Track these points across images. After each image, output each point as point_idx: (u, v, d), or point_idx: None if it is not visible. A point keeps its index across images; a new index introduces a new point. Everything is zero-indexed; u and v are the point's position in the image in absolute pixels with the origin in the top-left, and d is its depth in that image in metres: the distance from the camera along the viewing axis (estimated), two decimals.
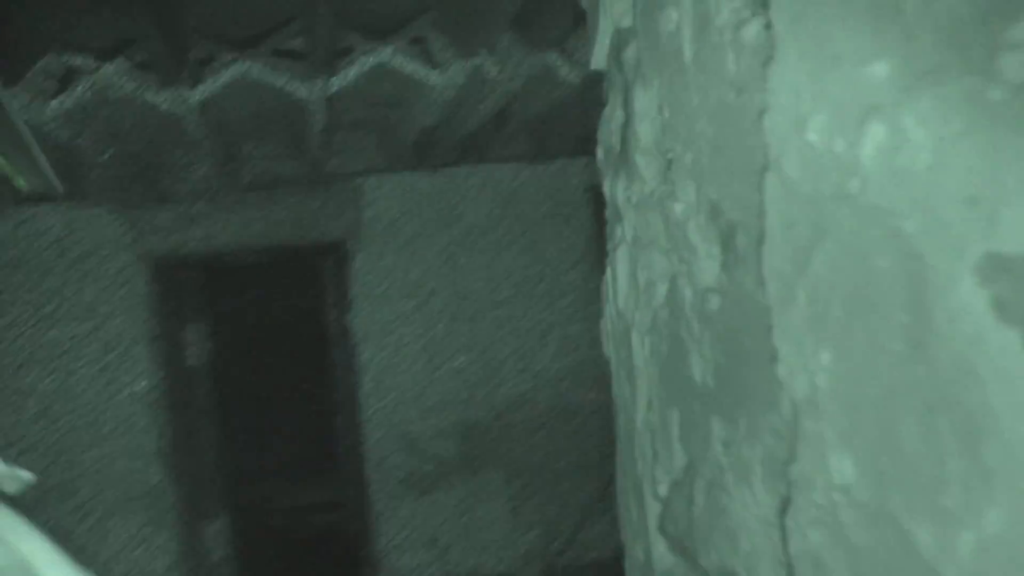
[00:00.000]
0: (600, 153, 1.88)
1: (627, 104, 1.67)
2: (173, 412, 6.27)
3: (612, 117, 1.77)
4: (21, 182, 3.89)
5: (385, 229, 6.62)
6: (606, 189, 1.84)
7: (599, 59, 1.78)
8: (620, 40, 1.67)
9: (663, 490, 1.65)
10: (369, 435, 6.54)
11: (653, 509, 1.71)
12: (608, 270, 1.82)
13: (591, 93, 5.68)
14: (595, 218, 6.74)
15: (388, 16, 4.67)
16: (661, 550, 1.69)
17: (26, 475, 1.09)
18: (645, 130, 1.59)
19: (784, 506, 1.24)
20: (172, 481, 6.20)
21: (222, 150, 6.11)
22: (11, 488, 1.04)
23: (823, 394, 1.12)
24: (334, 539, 7.54)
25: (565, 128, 6.32)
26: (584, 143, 6.65)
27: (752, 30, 1.26)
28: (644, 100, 1.59)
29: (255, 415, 7.85)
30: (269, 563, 7.31)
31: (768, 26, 1.24)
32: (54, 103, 4.21)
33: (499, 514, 6.57)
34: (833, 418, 1.11)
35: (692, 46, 1.41)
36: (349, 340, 6.67)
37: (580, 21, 4.23)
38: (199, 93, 4.43)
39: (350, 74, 4.77)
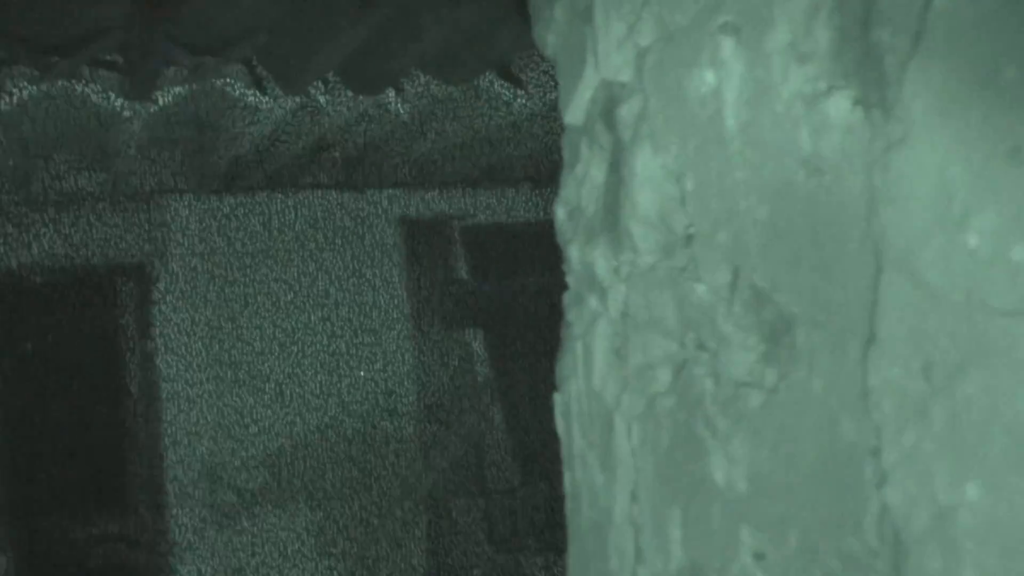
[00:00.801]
0: (561, 213, 1.66)
1: (618, 167, 1.45)
2: None
3: (587, 177, 1.55)
4: None
5: (190, 252, 6.16)
6: (571, 253, 1.62)
7: (575, 113, 1.56)
8: (611, 95, 1.46)
9: None
10: (170, 465, 6.04)
11: None
12: (576, 344, 1.60)
13: (420, 126, 5.46)
14: (407, 248, 6.50)
15: (218, 35, 4.30)
16: None
17: None
18: (647, 198, 1.38)
19: None
20: None
21: (18, 161, 5.52)
22: None
23: (963, 531, 0.94)
24: (129, 572, 6.96)
25: (383, 160, 6.06)
26: (398, 174, 6.43)
27: (840, 104, 1.07)
28: (650, 166, 1.38)
29: (44, 444, 7.18)
30: None
31: (861, 102, 1.05)
32: None
33: (306, 547, 6.20)
34: (977, 559, 0.93)
35: (739, 114, 1.21)
36: (150, 366, 6.16)
37: (419, 60, 4.01)
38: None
39: (169, 91, 4.37)
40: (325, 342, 6.32)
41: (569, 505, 1.65)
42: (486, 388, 6.33)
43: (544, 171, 6.30)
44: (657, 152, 1.36)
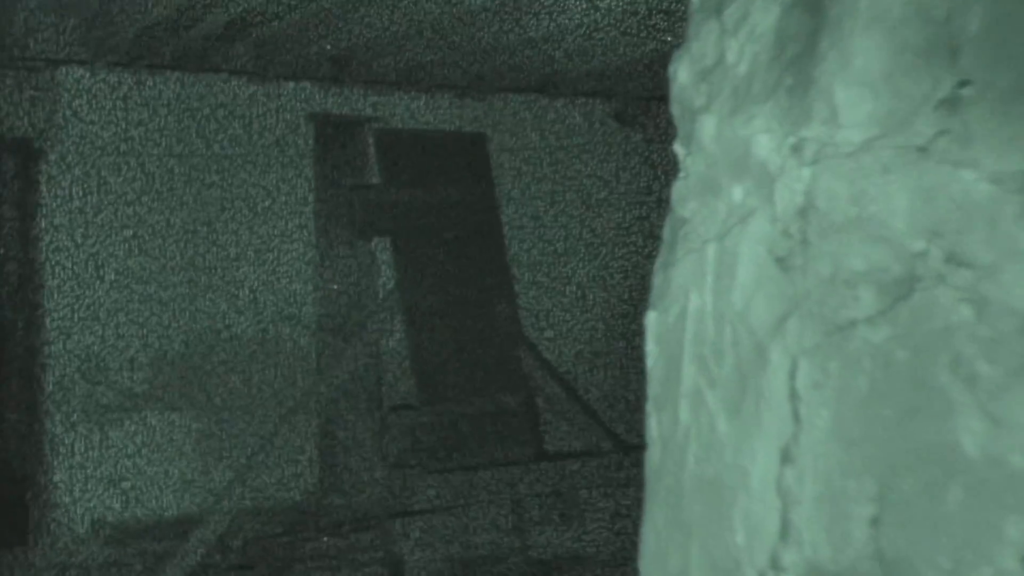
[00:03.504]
0: (686, 73, 1.19)
1: (819, 5, 1.00)
2: None
3: (742, 23, 1.09)
4: None
5: (84, 130, 5.44)
6: (701, 126, 1.16)
7: None
8: None
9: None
10: (49, 357, 5.38)
11: None
12: (702, 248, 1.15)
13: (345, 14, 4.86)
14: (317, 145, 5.90)
15: None
16: None
17: None
18: (875, 45, 0.94)
19: None
20: None
21: None
22: None
23: None
24: None
25: (300, 50, 5.43)
26: (314, 67, 5.80)
27: None
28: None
29: None
30: None
31: None
32: None
33: (187, 451, 5.64)
34: None
35: None
36: (32, 250, 5.46)
37: None
38: None
39: None
40: (223, 239, 5.71)
41: (656, 454, 1.21)
42: (389, 300, 5.82)
43: (472, 79, 5.77)
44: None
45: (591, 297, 6.48)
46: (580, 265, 6.45)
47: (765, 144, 1.05)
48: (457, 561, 5.49)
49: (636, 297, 6.61)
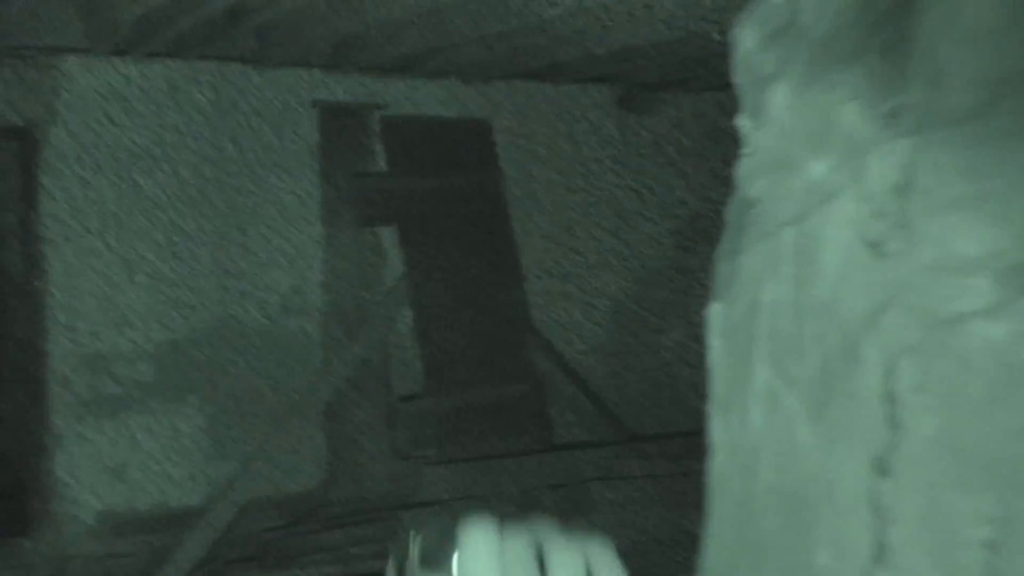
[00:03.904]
0: (753, 38, 1.05)
1: None
2: None
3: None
4: None
5: (83, 119, 5.29)
6: (772, 95, 1.02)
7: None
8: None
9: None
10: (51, 347, 5.24)
11: None
12: (777, 232, 1.01)
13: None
14: (322, 132, 5.76)
15: None
16: None
17: None
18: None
19: None
20: None
21: None
22: None
23: None
24: None
25: (302, 35, 5.27)
26: (317, 53, 5.65)
27: None
28: None
29: None
30: None
31: None
32: None
33: (192, 442, 5.50)
34: None
35: None
36: (32, 240, 5.31)
37: None
38: None
39: None
40: (227, 229, 5.57)
41: (721, 461, 1.07)
42: (396, 289, 5.69)
43: (476, 65, 5.62)
44: None
45: (599, 283, 6.34)
46: (588, 250, 6.32)
47: (852, 113, 0.92)
48: None
49: (644, 281, 6.48)
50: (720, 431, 1.07)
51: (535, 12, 4.52)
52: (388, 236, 5.74)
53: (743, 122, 1.07)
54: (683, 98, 6.38)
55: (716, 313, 1.08)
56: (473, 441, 5.45)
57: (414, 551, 0.70)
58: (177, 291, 5.43)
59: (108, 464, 5.31)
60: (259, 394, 5.57)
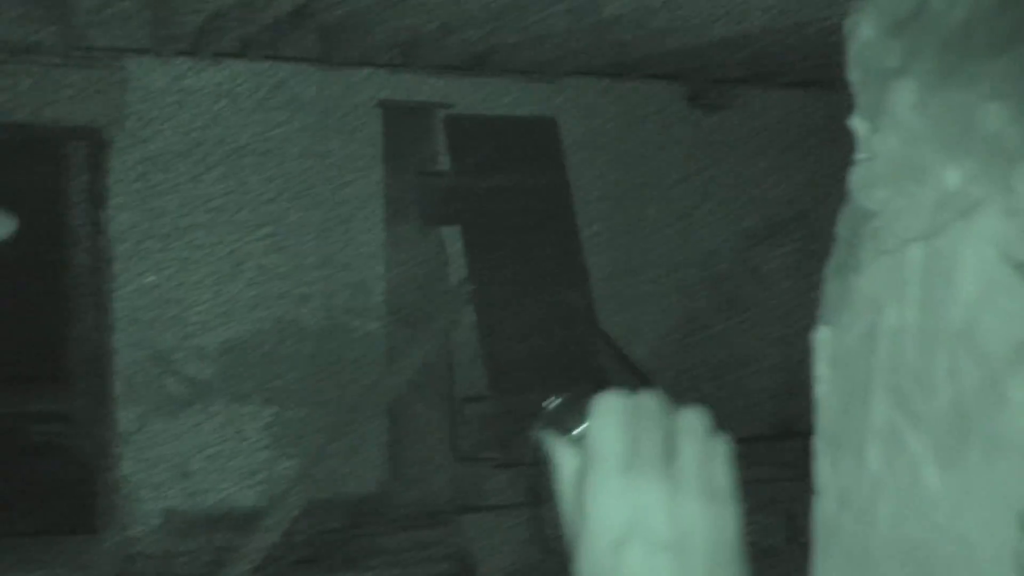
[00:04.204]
0: (872, 27, 0.92)
1: None
2: None
3: None
4: None
5: (151, 118, 5.26)
6: (897, 92, 0.89)
7: None
8: None
9: None
10: (117, 346, 5.23)
11: None
12: (902, 249, 0.88)
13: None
14: (386, 132, 5.67)
15: None
16: None
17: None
18: None
19: None
20: None
21: None
22: None
23: None
24: (67, 454, 6.15)
25: (366, 35, 5.19)
26: (381, 52, 5.57)
27: None
28: None
29: None
30: None
31: None
32: None
33: (257, 444, 5.46)
34: None
35: None
36: (100, 239, 5.31)
37: None
38: None
39: None
40: (291, 229, 5.51)
41: (829, 506, 0.94)
42: (460, 289, 5.59)
43: (542, 62, 5.50)
44: None
45: (667, 283, 6.18)
46: (656, 250, 6.16)
47: (995, 114, 0.78)
48: (529, 558, 5.25)
49: (713, 282, 6.31)
50: (828, 472, 0.94)
51: (603, 8, 4.39)
52: (452, 236, 5.65)
53: (858, 123, 0.94)
54: (756, 94, 6.19)
55: (825, 338, 0.95)
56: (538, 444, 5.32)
57: (545, 421, 0.72)
58: (241, 287, 5.38)
59: (172, 463, 5.28)
60: (321, 394, 5.51)
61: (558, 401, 0.72)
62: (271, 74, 5.42)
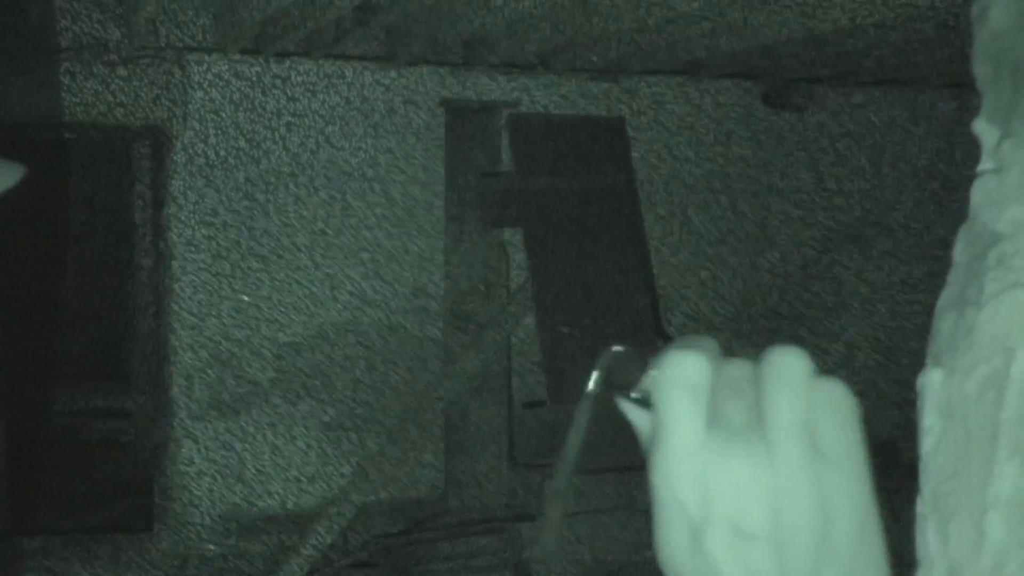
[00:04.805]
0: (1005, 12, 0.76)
1: None
2: None
3: None
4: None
5: (214, 118, 5.21)
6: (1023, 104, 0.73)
7: None
8: None
9: None
10: (176, 345, 5.18)
11: None
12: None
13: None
14: (449, 131, 5.56)
15: None
16: None
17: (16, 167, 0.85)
18: None
19: None
20: None
21: (33, 6, 4.57)
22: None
23: None
24: (125, 450, 6.14)
25: (430, 34, 5.08)
26: (445, 51, 5.45)
27: None
28: None
29: (46, 311, 6.30)
30: (46, 466, 5.85)
31: None
32: None
33: (313, 445, 5.38)
34: None
35: None
36: (161, 238, 5.27)
37: None
38: None
39: None
40: (352, 229, 5.42)
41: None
42: (521, 293, 5.45)
43: (609, 62, 5.33)
44: None
45: (735, 289, 5.98)
46: (725, 255, 5.95)
47: None
48: (586, 569, 5.10)
49: (783, 288, 6.09)
50: (936, 541, 0.78)
51: (673, 6, 4.22)
52: (514, 238, 5.51)
53: (984, 128, 0.78)
54: (832, 95, 5.96)
55: (934, 383, 0.79)
56: (598, 453, 5.17)
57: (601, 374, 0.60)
58: (301, 287, 5.31)
59: (229, 463, 5.22)
60: (379, 396, 5.42)
61: (618, 351, 0.59)
62: (335, 73, 5.34)
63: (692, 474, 0.54)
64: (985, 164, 0.78)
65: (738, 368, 0.55)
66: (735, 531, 0.53)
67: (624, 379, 0.59)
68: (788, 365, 0.55)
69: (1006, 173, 0.76)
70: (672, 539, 0.55)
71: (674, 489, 0.55)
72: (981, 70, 0.80)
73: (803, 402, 0.54)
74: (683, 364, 0.55)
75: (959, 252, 0.80)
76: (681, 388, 0.55)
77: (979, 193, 0.78)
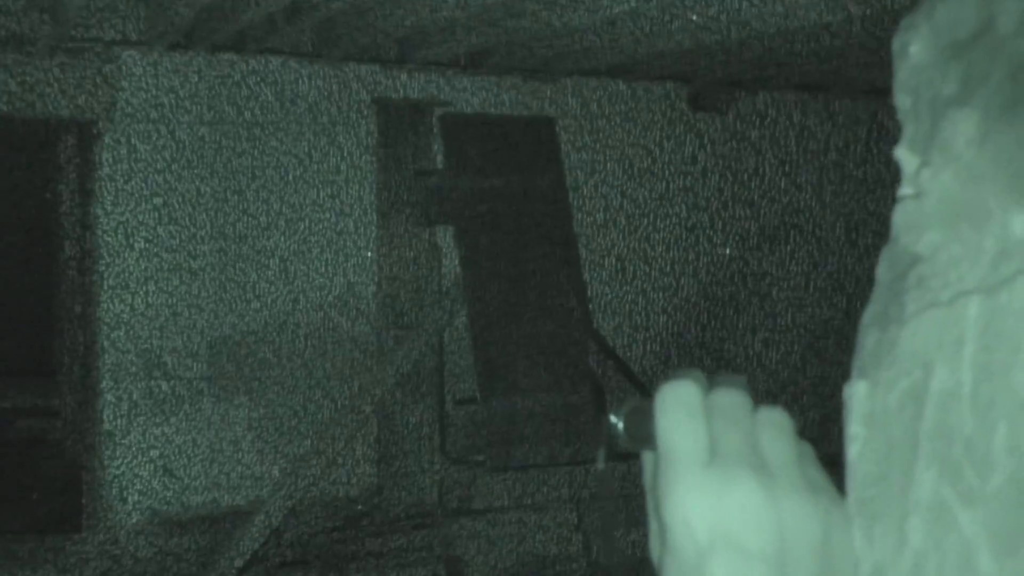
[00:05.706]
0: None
1: None
2: None
3: None
4: None
5: (143, 112, 5.14)
6: (941, 134, 0.78)
7: None
8: None
9: None
10: (104, 343, 5.11)
11: None
12: (967, 303, 0.77)
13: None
14: (380, 130, 5.55)
15: None
16: None
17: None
18: None
19: None
20: None
21: None
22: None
23: None
24: (51, 450, 6.03)
25: (362, 31, 5.07)
26: (377, 49, 5.44)
27: None
28: None
29: None
30: None
31: None
32: None
33: (244, 444, 5.34)
34: None
35: None
36: (89, 234, 5.18)
37: None
38: None
39: None
40: (281, 226, 5.39)
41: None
42: (452, 291, 5.48)
43: (540, 62, 5.38)
44: None
45: (664, 287, 6.07)
46: (654, 253, 6.04)
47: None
48: (518, 563, 5.15)
49: (711, 285, 6.20)
50: (863, 546, 0.83)
51: (602, 9, 4.27)
52: (445, 236, 5.53)
53: (904, 155, 0.82)
54: (757, 97, 6.08)
55: (860, 394, 0.84)
56: (529, 448, 5.22)
57: (617, 430, 0.62)
58: (229, 285, 5.26)
59: (159, 462, 5.16)
60: (310, 394, 5.40)
61: (626, 410, 0.61)
62: (265, 69, 5.30)
63: (698, 496, 0.56)
64: (905, 190, 0.83)
65: (727, 397, 0.59)
66: (742, 554, 0.55)
67: (642, 432, 0.60)
68: (779, 417, 0.60)
69: (924, 199, 0.81)
70: (677, 561, 0.57)
71: (681, 512, 0.56)
72: (902, 102, 0.84)
73: (793, 445, 0.60)
74: (679, 391, 0.58)
75: (882, 272, 0.85)
76: (682, 412, 0.57)
77: (900, 216, 0.83)
